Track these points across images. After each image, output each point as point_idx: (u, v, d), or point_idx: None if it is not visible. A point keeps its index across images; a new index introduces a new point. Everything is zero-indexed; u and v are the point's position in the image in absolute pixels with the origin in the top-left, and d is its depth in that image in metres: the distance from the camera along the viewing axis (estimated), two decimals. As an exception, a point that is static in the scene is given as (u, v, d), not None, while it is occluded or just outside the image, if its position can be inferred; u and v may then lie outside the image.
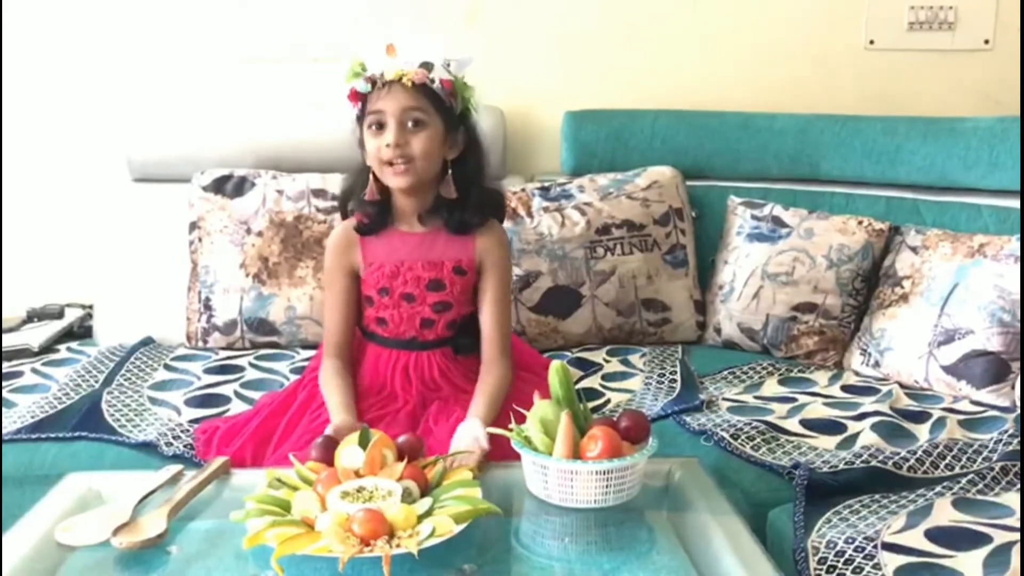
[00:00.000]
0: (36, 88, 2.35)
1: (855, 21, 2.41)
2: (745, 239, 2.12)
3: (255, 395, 1.76)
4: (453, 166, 1.58)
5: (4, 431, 1.62)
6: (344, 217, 1.67)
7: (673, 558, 1.17)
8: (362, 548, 1.08)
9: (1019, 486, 1.42)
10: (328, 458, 1.28)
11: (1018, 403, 1.73)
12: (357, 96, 1.54)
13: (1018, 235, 1.85)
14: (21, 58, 2.34)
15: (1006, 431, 1.57)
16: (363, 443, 1.27)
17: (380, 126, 1.52)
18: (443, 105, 1.53)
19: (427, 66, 1.52)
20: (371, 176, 1.57)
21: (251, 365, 1.93)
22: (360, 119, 1.56)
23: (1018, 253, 1.80)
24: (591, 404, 1.72)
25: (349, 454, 1.26)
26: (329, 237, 1.67)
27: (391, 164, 1.52)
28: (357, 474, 1.22)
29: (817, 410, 1.71)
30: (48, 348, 2.06)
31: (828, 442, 1.59)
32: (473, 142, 1.60)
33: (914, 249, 1.97)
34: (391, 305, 1.60)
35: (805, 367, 1.96)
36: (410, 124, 1.51)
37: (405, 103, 1.50)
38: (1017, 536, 1.22)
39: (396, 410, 1.56)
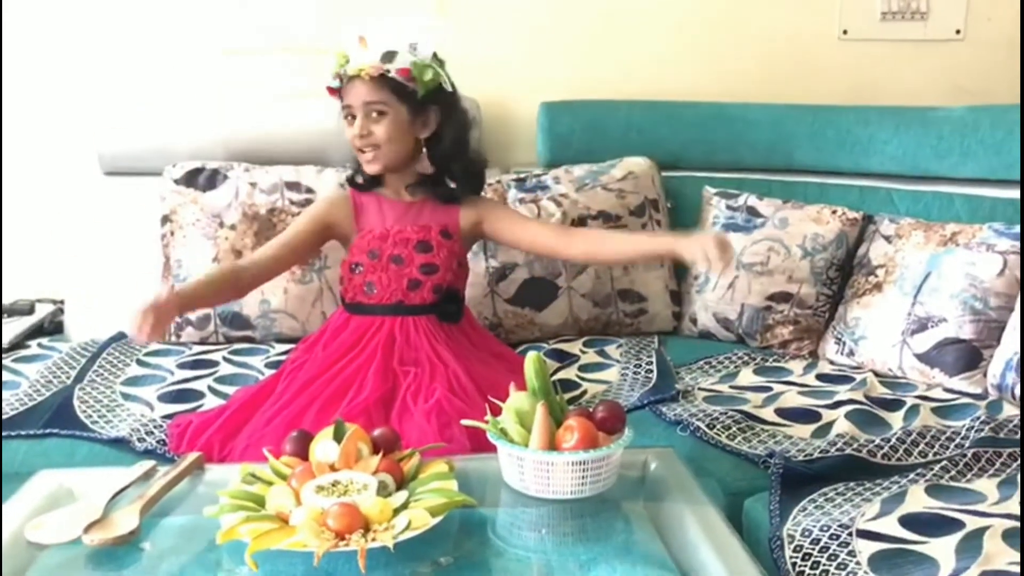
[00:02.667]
0: (5, 81, 2.31)
1: (829, 11, 2.42)
2: (720, 229, 2.12)
3: (229, 390, 1.75)
4: (427, 144, 1.72)
5: (-27, 429, 1.59)
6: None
7: (649, 548, 1.17)
8: (337, 542, 1.07)
9: (991, 472, 1.44)
10: (302, 452, 1.27)
11: (990, 390, 1.75)
12: (331, 91, 1.70)
13: (990, 224, 1.87)
14: (-12, 50, 2.30)
15: (978, 418, 1.59)
16: (338, 437, 1.26)
17: (352, 117, 1.68)
18: (405, 91, 1.65)
19: (389, 56, 1.63)
20: None
21: (225, 360, 1.91)
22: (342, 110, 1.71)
23: (990, 241, 1.82)
24: (568, 395, 1.72)
25: (324, 448, 1.25)
26: (332, 190, 1.86)
27: (362, 151, 1.68)
28: (332, 468, 1.22)
29: (792, 399, 1.72)
30: (18, 344, 2.03)
31: (803, 431, 1.59)
32: (448, 118, 1.71)
33: (887, 238, 1.98)
34: (380, 268, 1.70)
35: (780, 356, 1.97)
36: (373, 115, 1.66)
37: (365, 96, 1.65)
38: (990, 522, 1.23)
39: (367, 365, 1.60)
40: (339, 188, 1.85)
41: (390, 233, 1.71)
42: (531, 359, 1.33)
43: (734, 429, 1.58)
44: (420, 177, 1.75)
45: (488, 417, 1.32)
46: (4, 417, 1.64)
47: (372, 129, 1.66)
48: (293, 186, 2.08)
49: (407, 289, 1.69)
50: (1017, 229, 1.81)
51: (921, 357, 1.81)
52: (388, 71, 1.63)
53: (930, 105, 2.17)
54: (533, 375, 1.32)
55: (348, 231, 1.76)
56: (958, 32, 2.43)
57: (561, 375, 1.85)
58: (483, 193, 1.87)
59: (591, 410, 1.32)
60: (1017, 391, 1.68)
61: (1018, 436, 1.53)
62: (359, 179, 1.78)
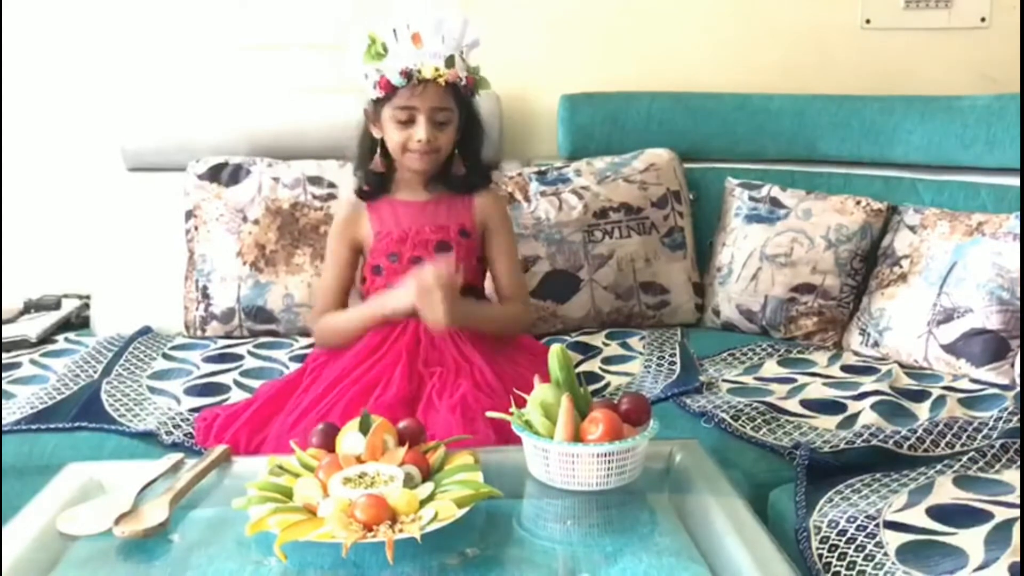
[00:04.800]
0: (30, 79, 2.33)
1: (851, 0, 2.40)
2: (743, 221, 2.11)
3: (254, 383, 1.76)
4: (459, 145, 1.69)
5: (4, 422, 1.61)
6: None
7: (675, 540, 1.17)
8: (365, 534, 1.08)
9: (1019, 463, 1.43)
10: (329, 444, 1.28)
11: (1018, 380, 1.73)
12: (389, 87, 1.59)
13: (1016, 213, 1.85)
14: (15, 49, 2.32)
15: (1006, 408, 1.57)
16: (364, 429, 1.26)
17: (404, 122, 1.61)
18: (462, 99, 1.64)
19: (451, 62, 1.60)
20: (379, 149, 1.68)
21: (250, 353, 1.92)
22: (380, 102, 1.62)
23: (1016, 231, 1.80)
24: (591, 388, 1.72)
25: (350, 440, 1.26)
26: (337, 207, 1.78)
27: (412, 152, 1.62)
28: (358, 460, 1.22)
29: (817, 390, 1.71)
30: (46, 339, 2.05)
31: (828, 422, 1.59)
32: (472, 119, 1.69)
33: (912, 228, 1.96)
34: (400, 271, 1.66)
35: (804, 348, 1.96)
36: (439, 121, 1.61)
37: (437, 103, 1.60)
38: (1018, 513, 1.22)
39: (392, 367, 1.58)
40: (348, 202, 1.76)
41: (408, 235, 1.68)
42: (555, 351, 1.33)
43: (759, 421, 1.58)
44: (439, 173, 1.70)
45: (513, 409, 1.32)
46: (33, 411, 1.66)
47: (436, 135, 1.62)
48: (315, 181, 2.09)
49: None
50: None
51: (947, 348, 1.80)
52: (461, 80, 1.61)
53: (955, 94, 2.15)
54: (557, 367, 1.32)
55: (369, 238, 1.73)
56: (983, 20, 2.41)
57: (584, 367, 1.85)
58: (500, 186, 1.85)
59: (615, 402, 1.32)
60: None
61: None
62: (366, 187, 1.72)
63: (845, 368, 1.84)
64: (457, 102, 1.63)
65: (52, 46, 2.33)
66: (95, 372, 1.83)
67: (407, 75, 1.57)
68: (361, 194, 1.72)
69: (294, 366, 1.81)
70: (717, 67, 2.40)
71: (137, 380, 1.80)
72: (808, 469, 1.40)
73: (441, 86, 1.59)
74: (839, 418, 1.60)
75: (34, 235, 2.37)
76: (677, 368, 1.82)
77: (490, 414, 1.37)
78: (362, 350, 1.64)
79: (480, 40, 1.62)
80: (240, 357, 1.91)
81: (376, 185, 1.71)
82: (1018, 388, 1.71)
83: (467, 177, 1.70)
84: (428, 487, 1.18)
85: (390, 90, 1.59)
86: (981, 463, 1.42)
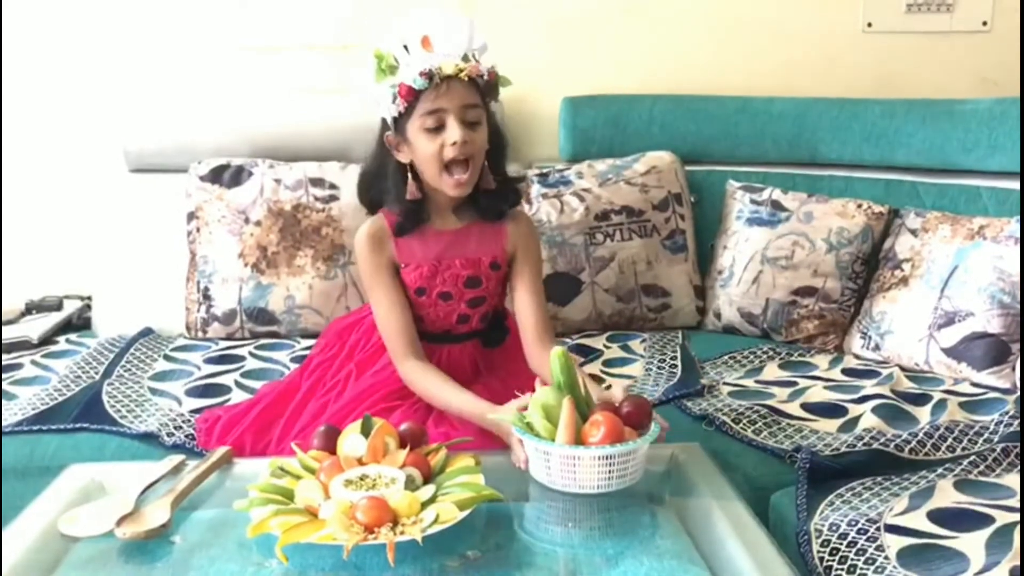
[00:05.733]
0: (32, 80, 2.33)
1: (853, 3, 2.40)
2: (744, 223, 2.11)
3: (256, 384, 1.76)
4: (486, 157, 1.52)
5: (5, 423, 1.61)
6: (371, 212, 1.59)
7: (676, 542, 1.17)
8: (366, 536, 1.08)
9: (1019, 467, 1.43)
10: (330, 446, 1.28)
11: (1018, 384, 1.73)
12: (411, 93, 1.42)
13: (1017, 217, 1.85)
14: (16, 50, 2.32)
15: (1007, 412, 1.57)
16: (365, 431, 1.26)
17: (438, 127, 1.44)
18: (487, 97, 1.48)
19: (467, 59, 1.45)
20: (410, 175, 1.50)
21: (251, 355, 1.93)
22: (400, 120, 1.46)
23: (1018, 235, 1.80)
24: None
25: (351, 442, 1.26)
26: (358, 237, 1.56)
27: (450, 169, 1.45)
28: (360, 462, 1.22)
29: (818, 394, 1.71)
30: (47, 340, 2.05)
31: (829, 425, 1.59)
32: (494, 129, 1.53)
33: (914, 232, 1.97)
34: (428, 305, 1.56)
35: (805, 351, 1.96)
36: (471, 120, 1.44)
37: (466, 100, 1.44)
38: (1018, 517, 1.22)
39: (409, 394, 1.54)
40: (368, 235, 1.55)
41: (438, 270, 1.54)
42: (556, 354, 1.32)
43: (760, 424, 1.58)
44: (469, 197, 1.53)
45: (515, 411, 1.32)
46: (35, 412, 1.66)
47: (471, 136, 1.44)
48: (317, 182, 2.09)
49: (456, 323, 1.58)
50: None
51: (948, 351, 1.80)
52: (483, 74, 1.44)
53: (957, 98, 2.15)
54: (558, 370, 1.32)
55: (395, 262, 1.56)
56: (985, 24, 2.41)
57: (585, 370, 1.84)
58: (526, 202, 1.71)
59: (617, 405, 1.32)
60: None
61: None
62: (402, 220, 1.53)
63: (846, 371, 1.84)
64: (484, 101, 1.47)
65: (54, 47, 2.33)
66: (96, 373, 1.83)
67: (428, 76, 1.41)
68: (399, 229, 1.54)
69: (295, 367, 1.81)
70: (719, 70, 2.40)
71: (138, 381, 1.80)
72: (809, 472, 1.40)
73: (465, 82, 1.43)
74: (840, 421, 1.60)
75: (36, 236, 2.37)
76: (678, 371, 1.82)
77: (491, 416, 1.37)
78: (372, 357, 1.63)
79: (487, 44, 1.51)
80: (241, 358, 1.91)
81: (412, 216, 1.53)
82: (1018, 392, 1.71)
83: (497, 195, 1.54)
84: (429, 489, 1.18)
85: (412, 97, 1.42)
86: (982, 467, 1.42)
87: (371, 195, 1.59)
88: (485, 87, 1.46)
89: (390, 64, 1.44)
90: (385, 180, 1.53)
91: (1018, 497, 1.29)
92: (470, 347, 1.61)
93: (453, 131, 1.43)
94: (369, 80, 1.47)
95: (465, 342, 1.61)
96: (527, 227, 1.61)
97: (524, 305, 1.57)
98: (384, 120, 1.49)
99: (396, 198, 1.52)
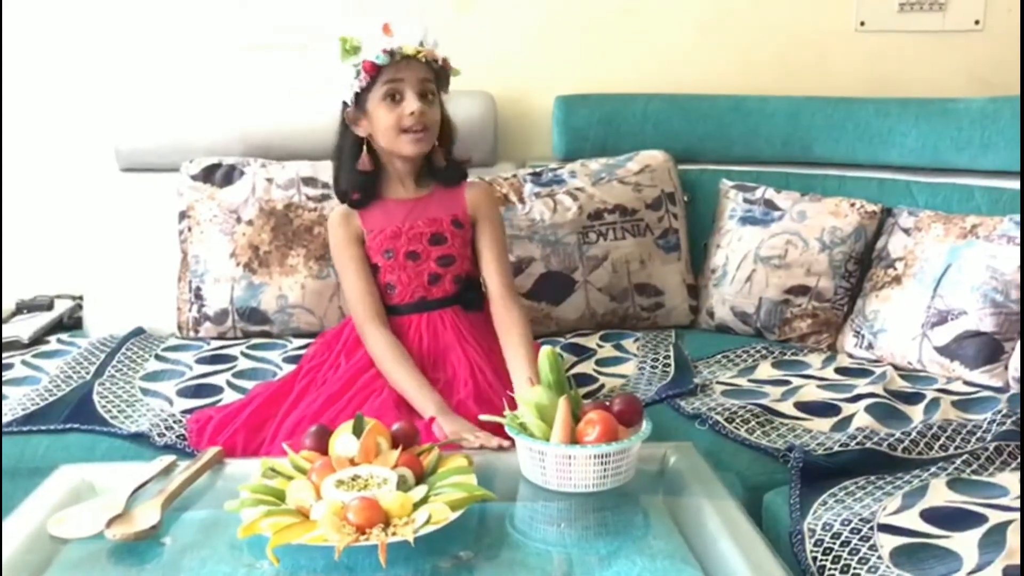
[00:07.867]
0: (23, 80, 2.32)
1: (846, 3, 2.40)
2: (737, 222, 2.11)
3: (248, 384, 1.75)
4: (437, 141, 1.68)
5: (-5, 424, 1.61)
6: (343, 201, 1.72)
7: (669, 542, 1.17)
8: (358, 537, 1.07)
9: (1014, 465, 1.43)
10: (322, 447, 1.27)
11: (1012, 383, 1.73)
12: (373, 68, 1.58)
13: (1010, 216, 1.85)
14: (7, 49, 2.31)
15: (1000, 411, 1.57)
16: (357, 431, 1.26)
17: (396, 97, 1.59)
18: (442, 81, 1.65)
19: (423, 45, 1.61)
20: (364, 147, 1.65)
21: (243, 355, 1.92)
22: (362, 94, 1.61)
23: (1011, 233, 1.80)
24: (585, 389, 1.72)
25: (343, 442, 1.25)
26: (330, 219, 1.72)
27: (407, 132, 1.60)
28: (352, 462, 1.22)
29: (811, 393, 1.71)
30: (38, 340, 2.04)
31: (823, 424, 1.59)
32: (445, 118, 1.69)
33: (907, 231, 1.97)
34: (397, 267, 1.66)
35: (799, 350, 1.96)
36: (429, 96, 1.61)
37: (423, 75, 1.60)
38: (1012, 516, 1.22)
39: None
40: (338, 214, 1.70)
41: (402, 231, 1.65)
42: (545, 353, 1.32)
43: (753, 423, 1.58)
44: (426, 168, 1.70)
45: (507, 412, 1.32)
46: (25, 412, 1.65)
47: (427, 109, 1.60)
48: (309, 181, 2.08)
49: (428, 284, 1.66)
50: (1038, 221, 1.80)
51: (941, 350, 1.80)
52: (438, 59, 1.62)
53: (949, 97, 2.15)
54: (548, 369, 1.32)
55: (363, 235, 1.68)
56: (977, 23, 2.41)
57: (578, 369, 1.84)
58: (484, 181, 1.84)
59: (608, 403, 1.32)
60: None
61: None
62: (357, 196, 1.68)
63: (839, 370, 1.84)
64: (439, 85, 1.64)
65: (45, 46, 2.32)
66: (87, 373, 1.82)
67: (389, 53, 1.57)
68: (352, 203, 1.68)
69: (288, 367, 1.80)
70: (712, 69, 2.40)
71: (130, 381, 1.79)
72: (802, 472, 1.40)
73: (422, 63, 1.60)
74: (833, 420, 1.60)
75: (27, 236, 2.36)
76: (671, 370, 1.82)
77: (483, 417, 1.37)
78: (363, 358, 1.64)
79: (439, 41, 1.64)
80: (233, 358, 1.90)
81: (365, 189, 1.67)
82: (1012, 390, 1.72)
83: (448, 170, 1.70)
84: (421, 490, 1.17)
85: (375, 71, 1.58)
86: (975, 466, 1.42)
87: (335, 177, 1.73)
88: (439, 71, 1.63)
89: (354, 45, 1.59)
90: (343, 155, 1.69)
91: (1012, 496, 1.29)
92: (449, 314, 1.67)
93: (411, 102, 1.58)
94: (336, 62, 1.61)
95: (443, 309, 1.67)
96: (486, 192, 1.75)
97: (488, 268, 1.69)
98: (344, 103, 1.64)
99: (350, 170, 1.67)
